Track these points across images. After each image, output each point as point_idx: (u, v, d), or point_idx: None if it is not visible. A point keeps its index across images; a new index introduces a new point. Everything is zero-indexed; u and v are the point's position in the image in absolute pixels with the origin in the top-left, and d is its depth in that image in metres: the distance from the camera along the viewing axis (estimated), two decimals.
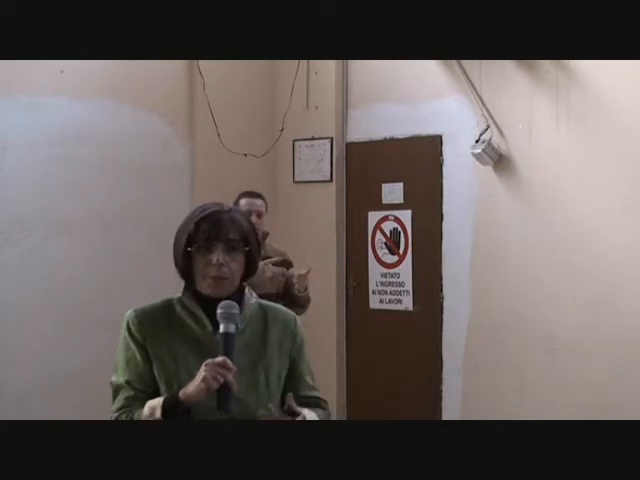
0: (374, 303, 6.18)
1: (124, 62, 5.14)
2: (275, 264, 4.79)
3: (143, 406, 2.26)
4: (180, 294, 2.38)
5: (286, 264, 4.91)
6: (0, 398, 4.93)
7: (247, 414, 2.30)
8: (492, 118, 5.57)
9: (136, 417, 2.27)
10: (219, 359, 2.19)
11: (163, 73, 5.72)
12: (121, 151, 5.55)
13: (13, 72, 4.87)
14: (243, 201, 4.82)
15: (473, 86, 5.63)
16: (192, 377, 2.23)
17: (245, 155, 6.11)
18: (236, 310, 2.27)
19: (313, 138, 6.32)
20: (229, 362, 2.19)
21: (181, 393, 2.22)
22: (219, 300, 2.29)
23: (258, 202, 4.85)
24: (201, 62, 5.78)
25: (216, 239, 2.29)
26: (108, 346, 5.34)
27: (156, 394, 2.29)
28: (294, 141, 6.38)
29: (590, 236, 5.22)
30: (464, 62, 5.61)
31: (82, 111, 5.36)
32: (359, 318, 6.25)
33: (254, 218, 4.74)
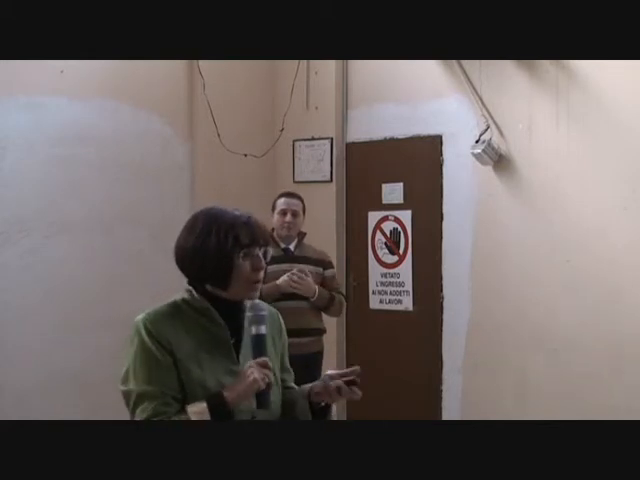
0: (374, 303, 6.18)
1: (124, 62, 5.14)
2: (311, 263, 4.82)
3: (177, 412, 2.21)
4: (185, 296, 2.35)
5: (322, 264, 4.91)
6: (0, 398, 4.93)
7: (269, 413, 2.33)
8: (492, 118, 5.57)
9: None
10: (261, 360, 2.25)
11: (163, 73, 5.72)
12: (121, 151, 5.55)
13: (13, 72, 4.87)
14: (281, 200, 4.88)
15: (473, 86, 5.63)
16: (217, 379, 2.25)
17: (245, 155, 6.11)
18: (265, 312, 2.34)
19: (313, 138, 6.32)
20: (270, 362, 2.26)
21: (228, 396, 2.21)
22: (231, 302, 2.33)
23: (295, 201, 4.89)
24: (201, 62, 5.77)
25: (257, 244, 2.33)
26: (108, 346, 5.36)
27: (183, 400, 2.23)
28: (294, 141, 6.38)
29: (590, 236, 5.22)
30: (464, 62, 5.61)
31: (82, 111, 5.36)
32: (359, 318, 6.25)
33: (289, 217, 4.80)
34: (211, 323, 2.33)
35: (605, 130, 5.17)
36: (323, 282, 4.86)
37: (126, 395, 2.26)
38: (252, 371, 2.22)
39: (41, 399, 5.07)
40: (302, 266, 4.73)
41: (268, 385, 2.24)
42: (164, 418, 2.19)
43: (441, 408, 5.88)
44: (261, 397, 2.25)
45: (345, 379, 2.38)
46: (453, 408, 5.81)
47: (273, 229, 4.78)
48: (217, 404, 2.20)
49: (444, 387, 5.88)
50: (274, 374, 2.33)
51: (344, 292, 5.15)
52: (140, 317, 2.30)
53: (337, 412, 6.18)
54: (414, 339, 6.00)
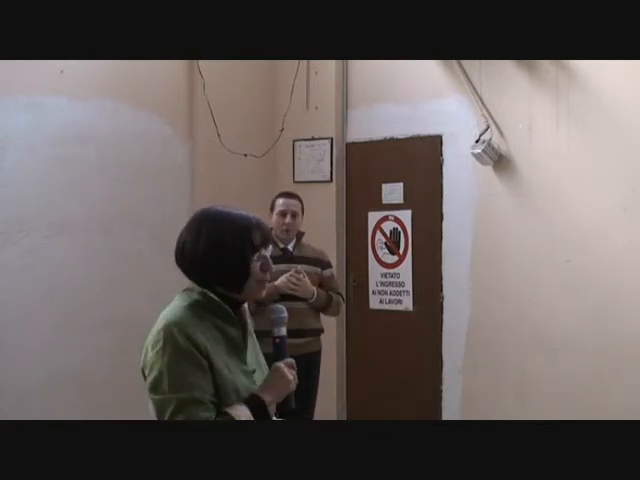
0: (374, 303, 6.18)
1: (124, 62, 5.14)
2: (308, 263, 4.82)
3: (217, 416, 2.20)
4: (196, 297, 2.31)
5: (320, 264, 4.90)
6: (0, 398, 4.93)
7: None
8: (492, 118, 5.57)
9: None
10: (288, 361, 2.34)
11: (163, 73, 5.72)
12: (121, 151, 5.55)
13: (13, 72, 4.87)
14: (280, 201, 4.85)
15: (473, 86, 5.63)
16: (240, 381, 2.26)
17: (245, 155, 6.11)
18: (285, 314, 2.42)
19: (313, 138, 6.32)
20: (295, 363, 2.35)
21: (266, 398, 2.25)
22: (237, 302, 2.35)
23: (294, 202, 4.87)
24: (201, 62, 5.77)
25: (267, 246, 2.37)
26: (108, 346, 5.36)
27: (220, 403, 2.22)
28: (294, 141, 6.38)
29: (590, 236, 5.22)
30: (464, 62, 5.61)
31: (82, 111, 5.36)
32: (359, 318, 6.25)
33: (288, 218, 4.80)
34: (229, 325, 2.32)
35: (605, 130, 5.17)
36: (321, 282, 4.85)
37: (162, 402, 2.19)
38: (285, 372, 2.30)
39: (41, 399, 5.07)
40: (300, 266, 4.73)
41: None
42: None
43: (441, 408, 5.88)
44: (288, 398, 2.33)
45: None
46: (453, 408, 5.81)
47: (271, 229, 4.76)
48: (258, 406, 2.24)
49: (444, 387, 5.88)
50: None
51: (342, 292, 5.14)
52: (170, 321, 2.23)
53: (337, 412, 6.18)
54: (414, 339, 6.00)
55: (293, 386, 2.30)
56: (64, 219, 5.27)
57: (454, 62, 5.64)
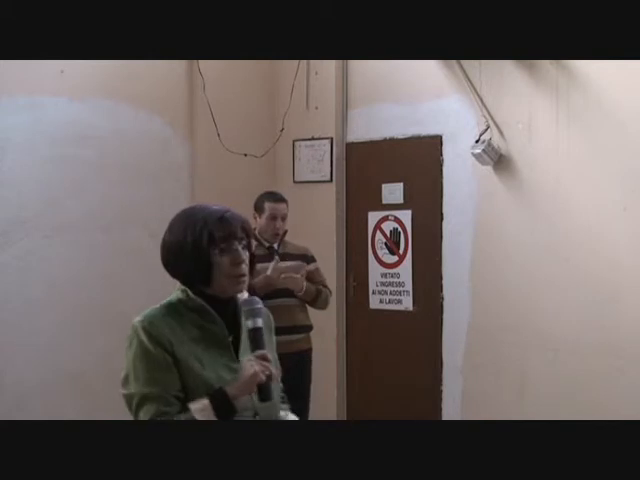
0: (374, 303, 6.18)
1: (124, 62, 5.14)
2: (293, 259, 4.86)
3: (179, 412, 2.22)
4: (180, 296, 2.36)
5: (304, 259, 4.94)
6: (0, 398, 4.93)
7: (272, 409, 2.36)
8: (492, 118, 5.57)
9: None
10: (260, 353, 2.27)
11: (163, 73, 5.72)
12: (121, 151, 5.55)
13: (13, 72, 4.87)
14: (269, 205, 4.87)
15: (473, 86, 5.63)
16: (218, 377, 2.26)
17: (245, 155, 6.11)
18: (260, 305, 2.34)
19: (313, 138, 6.32)
20: (269, 355, 2.28)
21: (229, 391, 2.23)
22: (224, 300, 2.34)
23: (283, 206, 4.92)
24: (201, 62, 5.77)
25: (234, 238, 2.33)
26: (108, 346, 5.37)
27: (185, 399, 2.24)
28: (294, 141, 6.38)
29: (590, 236, 5.22)
30: (464, 62, 5.61)
31: (82, 111, 5.36)
32: (359, 318, 6.25)
33: (279, 223, 4.85)
34: (207, 321, 2.34)
35: (605, 130, 5.17)
36: (308, 276, 4.90)
37: (128, 398, 2.26)
38: (252, 364, 2.24)
39: (41, 399, 5.07)
40: (290, 263, 4.77)
41: (269, 377, 2.25)
42: (167, 418, 2.20)
43: (441, 408, 5.88)
44: (263, 390, 2.26)
45: None
46: (453, 408, 5.81)
47: (255, 228, 4.74)
48: (219, 400, 2.21)
49: (444, 387, 5.88)
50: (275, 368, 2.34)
51: (329, 284, 5.18)
52: (137, 319, 2.30)
53: (337, 412, 6.18)
54: (414, 339, 6.00)
55: (261, 378, 2.23)
56: (64, 219, 5.27)
57: (454, 62, 5.64)
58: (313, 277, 4.96)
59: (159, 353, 2.24)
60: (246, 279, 2.36)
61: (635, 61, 4.25)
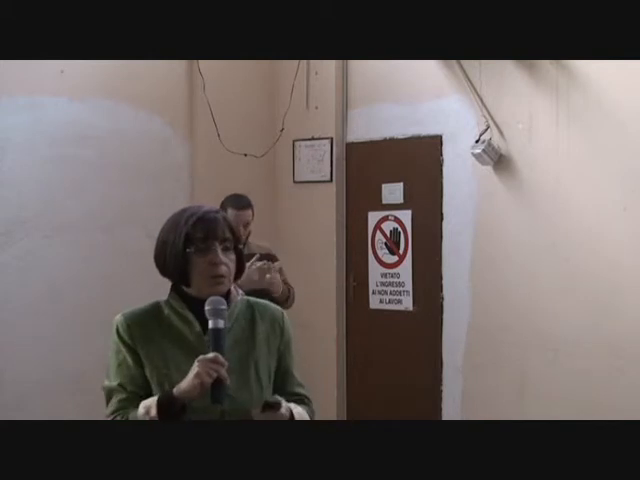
0: (374, 303, 6.18)
1: (124, 62, 5.14)
2: (259, 259, 4.84)
3: (137, 407, 2.28)
4: (168, 296, 2.42)
5: (270, 258, 4.94)
6: (0, 398, 4.93)
7: (240, 411, 2.32)
8: (492, 118, 5.57)
9: (131, 418, 2.28)
10: (210, 355, 2.23)
11: (163, 73, 5.72)
12: (121, 151, 5.55)
13: (13, 72, 4.87)
14: (230, 212, 4.73)
15: (473, 86, 5.63)
16: (184, 377, 2.25)
17: (245, 155, 6.11)
18: (224, 306, 2.30)
19: (313, 138, 6.32)
20: (220, 357, 2.23)
21: (175, 390, 2.25)
22: (204, 301, 2.33)
23: (246, 213, 4.83)
24: (201, 62, 5.77)
25: (214, 239, 2.34)
26: (108, 346, 5.34)
27: (149, 396, 2.30)
28: (294, 141, 6.37)
29: (590, 236, 5.22)
30: (464, 62, 5.61)
31: (82, 111, 5.36)
32: (359, 318, 6.25)
33: (241, 230, 4.71)
34: (183, 322, 2.37)
35: (605, 130, 5.17)
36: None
37: (104, 390, 2.39)
38: (197, 365, 2.22)
39: (41, 399, 5.07)
40: (259, 264, 4.76)
41: (219, 380, 2.22)
42: (122, 413, 2.30)
43: (441, 408, 5.88)
44: (213, 392, 2.23)
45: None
46: (453, 408, 5.81)
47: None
48: (164, 398, 2.24)
49: (444, 387, 5.88)
50: (255, 372, 2.36)
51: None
52: (117, 316, 2.39)
53: (337, 412, 6.18)
54: (414, 339, 6.00)
55: (204, 379, 2.19)
56: (64, 219, 5.27)
57: (454, 62, 5.64)
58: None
59: (126, 349, 2.34)
60: (224, 280, 2.35)
61: (635, 61, 4.25)
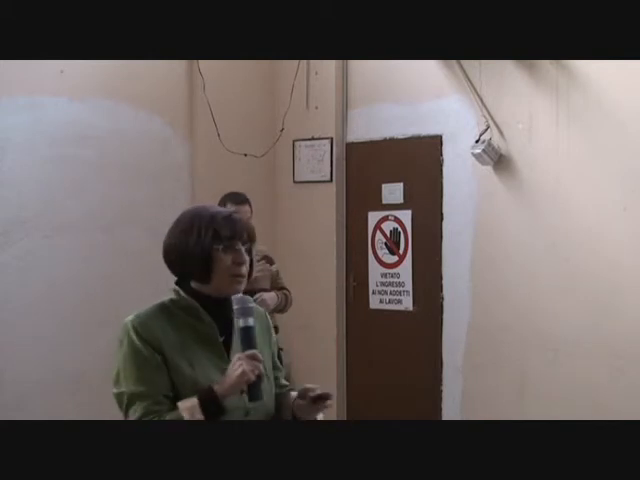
0: (374, 303, 6.18)
1: (124, 62, 5.14)
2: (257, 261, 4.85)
3: (169, 410, 2.22)
4: (172, 296, 2.38)
5: (267, 261, 4.95)
6: (0, 398, 4.93)
7: (262, 410, 2.34)
8: (492, 118, 5.57)
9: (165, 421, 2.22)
10: (250, 352, 2.25)
11: (163, 73, 5.72)
12: (121, 151, 5.55)
13: (13, 72, 4.87)
14: (229, 207, 4.70)
15: (473, 86, 5.63)
16: (207, 377, 2.25)
17: (245, 155, 6.11)
18: (251, 304, 2.33)
19: (313, 138, 6.32)
20: (259, 354, 2.25)
21: (217, 388, 2.22)
22: (218, 299, 2.34)
23: (245, 208, 4.84)
24: (201, 62, 5.78)
25: (239, 239, 2.35)
26: (108, 346, 5.34)
27: (175, 399, 2.24)
28: (294, 141, 6.37)
29: (590, 236, 5.22)
30: (464, 62, 5.61)
31: (82, 111, 5.36)
32: (359, 318, 6.25)
33: None
34: (198, 321, 2.35)
35: (605, 130, 5.17)
36: (271, 277, 4.94)
37: (118, 397, 2.27)
38: (240, 363, 2.22)
39: (41, 399, 5.07)
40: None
41: (259, 377, 2.23)
42: (155, 417, 2.20)
43: (441, 408, 5.88)
44: (252, 389, 2.24)
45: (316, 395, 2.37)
46: (453, 408, 5.81)
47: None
48: (207, 398, 2.21)
49: (444, 387, 5.88)
50: (265, 368, 2.32)
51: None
52: (129, 318, 2.31)
53: (337, 412, 6.18)
54: (414, 339, 6.00)
55: (250, 377, 2.20)
56: (64, 219, 5.27)
57: (454, 62, 5.64)
58: (275, 279, 4.98)
59: (148, 352, 2.25)
60: (244, 280, 2.36)
61: (635, 61, 4.25)
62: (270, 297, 4.83)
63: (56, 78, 5.17)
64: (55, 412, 4.85)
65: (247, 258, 2.36)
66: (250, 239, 2.39)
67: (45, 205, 5.20)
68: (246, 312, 2.30)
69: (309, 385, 2.41)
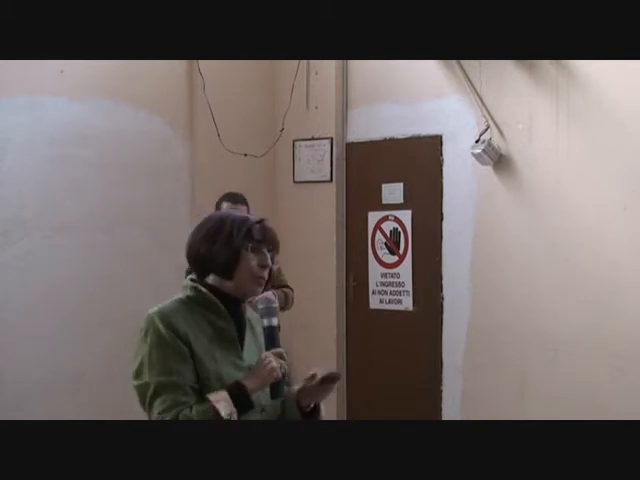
0: (374, 303, 6.18)
1: (124, 62, 5.14)
2: None
3: (197, 402, 2.23)
4: (189, 293, 2.38)
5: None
6: (0, 398, 4.93)
7: (274, 406, 2.39)
8: (492, 118, 5.57)
9: (196, 413, 2.21)
10: (277, 350, 2.33)
11: (163, 73, 5.72)
12: (121, 151, 5.55)
13: (13, 72, 4.87)
14: (226, 206, 4.74)
15: (473, 86, 5.63)
16: (227, 373, 2.29)
17: (245, 155, 6.10)
18: (275, 304, 2.42)
19: (313, 138, 6.32)
20: (284, 353, 2.34)
21: (247, 384, 2.26)
22: (236, 299, 2.39)
23: (242, 209, 4.74)
24: (201, 62, 5.77)
25: (267, 244, 2.42)
26: (108, 346, 5.36)
27: (200, 391, 2.26)
28: (294, 141, 6.37)
29: (590, 236, 5.22)
30: (464, 62, 5.61)
31: (82, 111, 5.36)
32: (359, 318, 6.25)
33: None
34: (218, 318, 2.37)
35: (605, 130, 5.17)
36: (272, 275, 4.86)
37: (142, 388, 2.26)
38: (270, 360, 2.29)
39: (41, 399, 5.07)
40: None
41: (283, 375, 2.32)
42: (184, 408, 2.21)
43: (441, 408, 5.88)
44: (276, 386, 2.32)
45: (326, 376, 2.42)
46: (453, 408, 5.81)
47: None
48: (238, 393, 2.24)
49: (444, 387, 5.88)
50: None
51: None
52: (153, 311, 2.32)
53: (337, 412, 6.18)
54: (414, 339, 6.00)
55: (278, 374, 2.29)
56: (64, 219, 5.27)
57: (454, 62, 5.64)
58: (277, 277, 4.88)
59: (176, 342, 2.26)
60: (264, 284, 2.43)
61: (635, 61, 4.25)
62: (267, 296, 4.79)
63: (56, 78, 5.17)
64: (55, 412, 4.85)
65: (271, 264, 2.42)
66: (275, 248, 2.45)
67: (45, 205, 5.20)
68: (271, 312, 2.38)
69: (315, 370, 2.45)
